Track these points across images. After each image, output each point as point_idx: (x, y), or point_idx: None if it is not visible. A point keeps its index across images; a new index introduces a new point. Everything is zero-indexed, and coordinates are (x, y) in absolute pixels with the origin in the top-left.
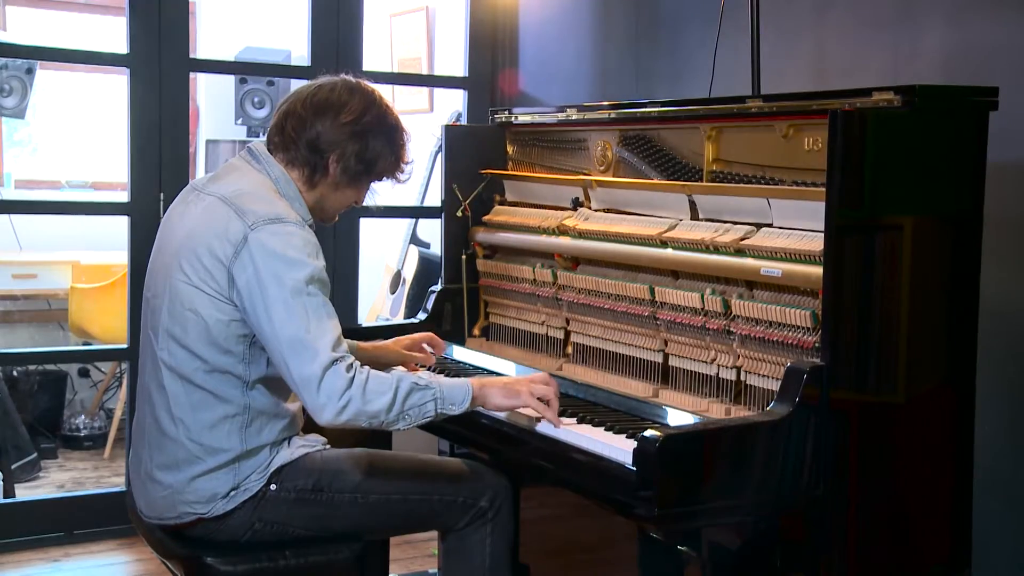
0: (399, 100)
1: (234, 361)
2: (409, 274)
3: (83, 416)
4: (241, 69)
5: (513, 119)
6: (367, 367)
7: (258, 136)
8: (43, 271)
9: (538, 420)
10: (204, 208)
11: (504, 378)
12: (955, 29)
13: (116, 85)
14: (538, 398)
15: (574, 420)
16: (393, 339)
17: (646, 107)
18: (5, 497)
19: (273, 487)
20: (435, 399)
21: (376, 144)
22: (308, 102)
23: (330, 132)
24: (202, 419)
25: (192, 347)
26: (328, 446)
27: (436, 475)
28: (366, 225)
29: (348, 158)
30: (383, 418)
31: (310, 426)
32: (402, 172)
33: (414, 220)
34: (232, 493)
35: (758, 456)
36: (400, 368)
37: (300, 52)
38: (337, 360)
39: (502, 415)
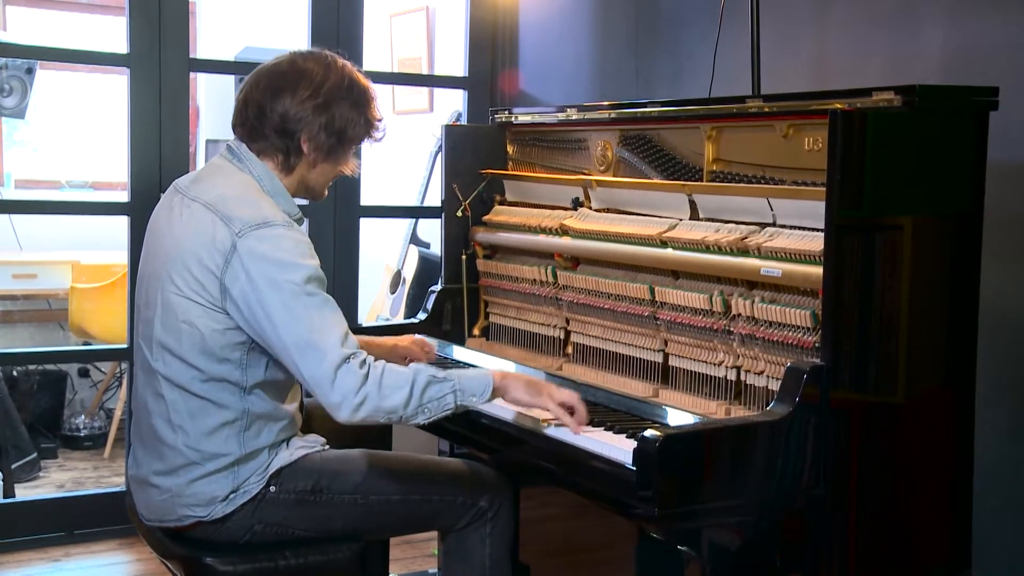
0: (399, 100)
1: (231, 368)
2: (409, 274)
3: (83, 416)
4: (241, 69)
5: (513, 119)
6: (382, 361)
7: None
8: (43, 271)
9: (547, 424)
10: (190, 215)
11: (527, 376)
12: (955, 29)
13: (116, 85)
14: (560, 404)
15: (600, 429)
16: (381, 338)
17: (646, 107)
18: (5, 497)
19: (272, 489)
20: (454, 391)
21: (342, 111)
22: (265, 85)
23: (293, 111)
24: (201, 426)
25: (187, 358)
26: (327, 447)
27: (436, 475)
28: (366, 225)
29: (318, 134)
30: (401, 413)
31: (309, 427)
32: (377, 131)
33: (414, 220)
34: (231, 496)
35: (758, 456)
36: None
37: None
38: (349, 357)
39: (508, 416)
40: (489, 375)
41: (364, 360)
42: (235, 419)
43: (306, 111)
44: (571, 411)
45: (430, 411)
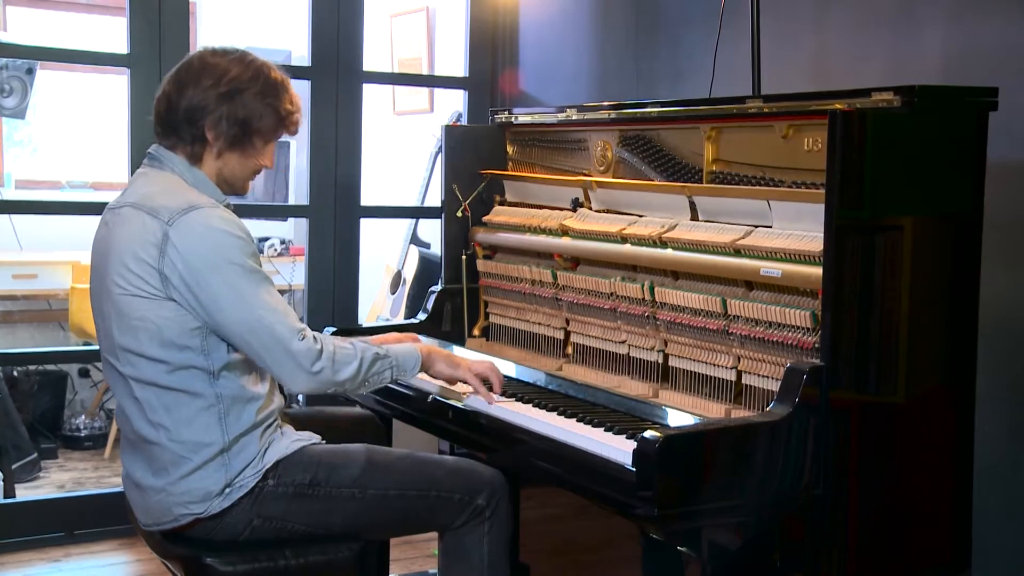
0: (399, 100)
1: (193, 355)
2: (409, 274)
3: (83, 416)
4: None
5: (513, 119)
6: (327, 336)
7: None
8: (43, 271)
9: (465, 396)
10: (121, 220)
11: (447, 351)
12: (955, 29)
13: (116, 85)
14: (476, 376)
15: (512, 400)
16: (378, 338)
17: (646, 107)
18: (5, 497)
19: (271, 482)
20: (392, 367)
21: (246, 101)
22: (173, 79)
23: (197, 99)
24: (179, 418)
25: (149, 353)
26: (323, 441)
27: (434, 472)
28: (366, 225)
29: (221, 123)
30: (347, 386)
31: (306, 423)
32: (290, 124)
33: (414, 220)
34: (227, 490)
35: (758, 456)
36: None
37: (300, 52)
38: (300, 331)
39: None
40: (417, 351)
41: (314, 336)
42: (210, 405)
43: (208, 99)
44: (487, 382)
45: (370, 384)
